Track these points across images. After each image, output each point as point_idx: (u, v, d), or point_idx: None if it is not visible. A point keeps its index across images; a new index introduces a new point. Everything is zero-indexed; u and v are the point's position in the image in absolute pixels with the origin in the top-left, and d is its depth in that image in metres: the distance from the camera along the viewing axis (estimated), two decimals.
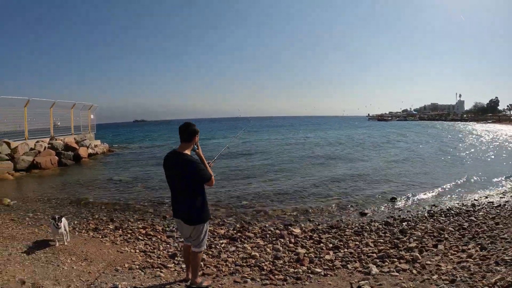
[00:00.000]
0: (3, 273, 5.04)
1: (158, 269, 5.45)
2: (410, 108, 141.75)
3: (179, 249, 6.42)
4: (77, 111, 24.72)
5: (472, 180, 13.20)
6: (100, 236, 7.17)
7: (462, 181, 12.99)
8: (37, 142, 18.65)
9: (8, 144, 16.79)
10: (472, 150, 23.99)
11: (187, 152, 4.15)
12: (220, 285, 4.78)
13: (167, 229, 7.85)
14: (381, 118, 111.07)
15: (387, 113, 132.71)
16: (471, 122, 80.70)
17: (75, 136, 23.04)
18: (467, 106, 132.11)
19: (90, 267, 5.48)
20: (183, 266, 5.44)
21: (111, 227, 7.82)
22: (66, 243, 6.43)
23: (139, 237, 7.20)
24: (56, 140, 20.14)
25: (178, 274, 5.25)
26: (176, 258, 6.00)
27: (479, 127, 60.51)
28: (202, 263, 5.26)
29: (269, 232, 7.30)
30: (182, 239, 6.78)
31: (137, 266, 5.58)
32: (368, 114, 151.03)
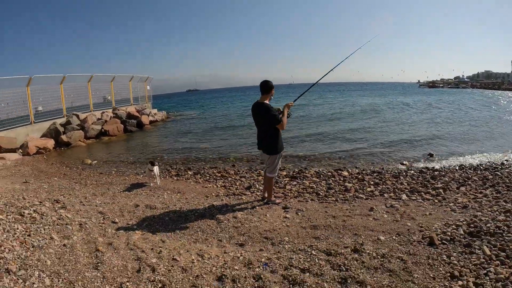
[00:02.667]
0: (116, 202, 6.69)
1: (239, 195, 7.07)
2: (462, 75, 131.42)
3: (251, 184, 7.92)
4: (134, 83, 26.74)
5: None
6: (183, 179, 8.80)
7: (500, 144, 13.13)
8: (103, 112, 20.74)
9: (77, 116, 18.92)
10: None
11: (266, 101, 5.81)
12: (288, 203, 6.43)
13: (238, 172, 9.29)
14: (432, 85, 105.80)
15: (439, 80, 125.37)
16: None
17: (134, 106, 25.09)
18: None
19: (184, 196, 7.10)
20: (258, 193, 7.13)
21: (190, 173, 9.43)
22: (158, 184, 7.95)
23: (217, 178, 8.68)
24: (118, 110, 22.17)
25: (255, 198, 6.86)
26: (251, 189, 7.58)
27: None
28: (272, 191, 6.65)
29: (323, 173, 8.86)
30: (251, 177, 8.21)
31: (222, 194, 7.21)
32: (418, 81, 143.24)
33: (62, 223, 5.38)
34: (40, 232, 4.92)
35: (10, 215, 5.62)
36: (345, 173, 8.71)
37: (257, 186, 7.70)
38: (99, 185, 8.47)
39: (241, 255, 4.23)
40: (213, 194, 7.21)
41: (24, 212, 5.73)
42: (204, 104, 54.83)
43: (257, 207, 6.11)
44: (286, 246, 4.51)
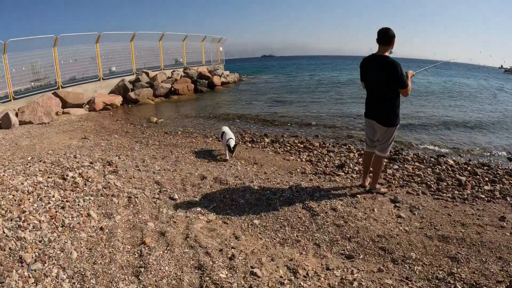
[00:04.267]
0: (178, 170, 5.54)
1: (330, 175, 5.52)
2: None
3: (343, 162, 6.40)
4: (207, 44, 25.84)
5: None
6: (260, 147, 7.47)
7: None
8: (173, 71, 20.06)
9: (147, 73, 18.45)
10: None
11: (387, 54, 4.27)
12: (395, 194, 4.84)
13: (324, 145, 7.76)
14: None
15: None
16: None
17: (206, 66, 24.23)
18: None
19: (262, 169, 5.76)
20: (354, 175, 5.55)
21: (267, 141, 8.08)
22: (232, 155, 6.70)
23: (299, 150, 7.27)
24: (190, 69, 21.39)
25: (351, 181, 5.27)
26: (344, 169, 5.98)
27: None
28: None
29: (425, 159, 7.09)
30: (340, 152, 6.98)
31: (309, 172, 5.73)
32: (501, 66, 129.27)
33: (107, 194, 4.29)
34: (78, 205, 3.88)
35: (51, 177, 4.69)
36: (451, 161, 6.97)
37: (351, 165, 6.12)
38: (162, 146, 7.46)
39: (353, 278, 2.80)
40: (298, 170, 5.76)
41: (67, 175, 4.75)
42: (280, 69, 52.62)
43: (359, 196, 4.56)
44: (415, 268, 2.99)
